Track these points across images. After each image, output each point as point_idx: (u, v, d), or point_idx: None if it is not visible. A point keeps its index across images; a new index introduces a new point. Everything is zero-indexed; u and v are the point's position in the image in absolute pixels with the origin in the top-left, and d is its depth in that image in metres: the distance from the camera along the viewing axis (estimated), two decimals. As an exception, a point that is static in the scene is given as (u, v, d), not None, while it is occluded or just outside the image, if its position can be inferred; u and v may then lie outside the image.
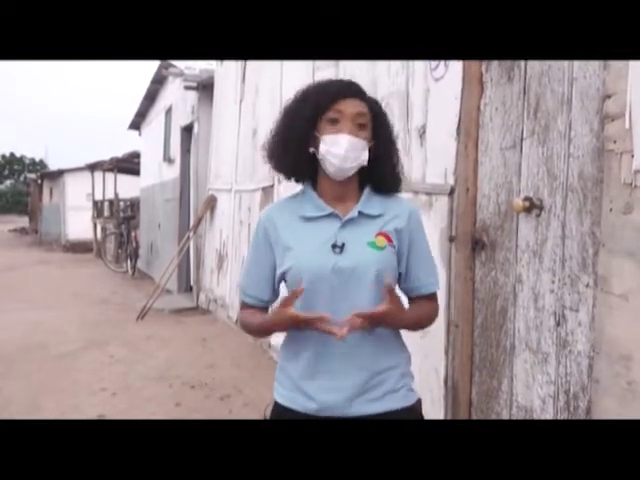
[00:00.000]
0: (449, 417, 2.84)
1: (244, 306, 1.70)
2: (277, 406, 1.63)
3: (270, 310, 1.66)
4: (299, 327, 1.49)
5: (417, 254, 1.61)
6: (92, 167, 16.80)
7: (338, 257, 1.52)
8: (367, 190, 1.62)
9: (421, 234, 1.64)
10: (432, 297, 1.66)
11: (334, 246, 1.53)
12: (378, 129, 1.59)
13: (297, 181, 1.66)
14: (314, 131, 1.54)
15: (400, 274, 1.62)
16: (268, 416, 1.68)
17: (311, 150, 1.55)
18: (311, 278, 1.52)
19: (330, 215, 1.57)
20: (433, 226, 2.91)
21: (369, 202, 1.60)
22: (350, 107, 1.53)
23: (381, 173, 1.61)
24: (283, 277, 1.60)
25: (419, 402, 1.65)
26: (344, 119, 1.52)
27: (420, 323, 1.65)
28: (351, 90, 1.57)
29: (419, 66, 3.08)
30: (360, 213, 1.57)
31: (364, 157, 1.55)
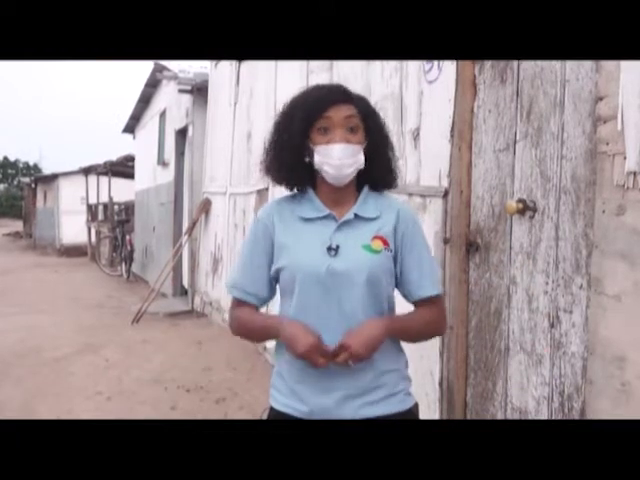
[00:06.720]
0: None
1: (240, 304, 1.64)
2: (272, 411, 1.62)
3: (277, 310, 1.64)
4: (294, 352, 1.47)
5: (412, 256, 1.58)
6: (86, 171, 16.75)
7: (332, 259, 1.52)
8: (364, 192, 1.61)
9: (417, 236, 1.61)
10: (430, 301, 1.59)
11: (329, 248, 1.53)
12: (370, 128, 1.58)
13: (298, 190, 1.64)
14: (307, 141, 1.54)
15: (397, 277, 1.60)
16: None
17: (307, 160, 1.55)
18: (304, 278, 1.52)
19: (327, 217, 1.57)
20: (427, 228, 2.91)
21: (366, 204, 1.59)
22: (338, 113, 1.52)
23: (377, 170, 1.60)
24: (277, 275, 1.59)
25: (416, 406, 1.63)
26: (334, 126, 1.52)
27: (419, 332, 1.61)
28: (337, 95, 1.56)
29: (413, 69, 3.09)
30: (356, 215, 1.57)
31: (360, 161, 1.54)
